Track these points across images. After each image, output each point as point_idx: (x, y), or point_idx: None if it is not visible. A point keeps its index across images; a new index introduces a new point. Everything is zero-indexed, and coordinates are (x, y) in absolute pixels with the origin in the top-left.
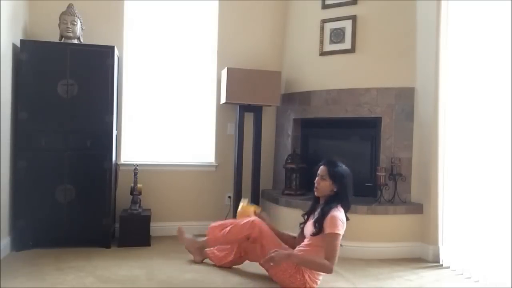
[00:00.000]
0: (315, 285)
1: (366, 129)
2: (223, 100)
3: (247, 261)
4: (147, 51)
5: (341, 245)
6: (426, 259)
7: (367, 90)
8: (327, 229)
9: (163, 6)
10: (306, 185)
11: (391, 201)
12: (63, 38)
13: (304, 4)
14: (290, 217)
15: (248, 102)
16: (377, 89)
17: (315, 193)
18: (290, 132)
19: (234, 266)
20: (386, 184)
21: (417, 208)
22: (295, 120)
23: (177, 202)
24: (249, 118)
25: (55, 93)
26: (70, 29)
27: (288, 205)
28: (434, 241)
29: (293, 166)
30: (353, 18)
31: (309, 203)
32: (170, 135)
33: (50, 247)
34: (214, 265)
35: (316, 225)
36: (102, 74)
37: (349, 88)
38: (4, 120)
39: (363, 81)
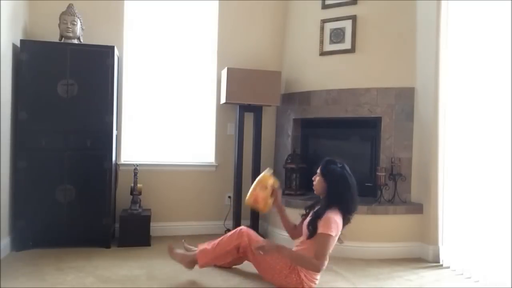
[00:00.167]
0: (313, 285)
1: (366, 129)
2: (223, 100)
3: (247, 261)
4: (147, 51)
5: (341, 243)
6: (426, 259)
7: (367, 90)
8: (320, 229)
9: (163, 6)
10: (306, 185)
11: (391, 201)
12: (63, 38)
13: (304, 4)
14: (290, 217)
15: (248, 102)
16: (377, 89)
17: (314, 191)
18: (290, 132)
19: (234, 266)
20: (386, 184)
21: (417, 208)
22: (295, 120)
23: (177, 202)
24: (249, 118)
25: (55, 93)
26: (70, 29)
27: (288, 205)
28: (434, 241)
29: (293, 166)
30: (353, 18)
31: (309, 203)
32: (170, 135)
33: (50, 247)
34: (214, 266)
35: (310, 227)
36: (102, 74)
37: (349, 88)
38: (4, 120)
39: (363, 81)
